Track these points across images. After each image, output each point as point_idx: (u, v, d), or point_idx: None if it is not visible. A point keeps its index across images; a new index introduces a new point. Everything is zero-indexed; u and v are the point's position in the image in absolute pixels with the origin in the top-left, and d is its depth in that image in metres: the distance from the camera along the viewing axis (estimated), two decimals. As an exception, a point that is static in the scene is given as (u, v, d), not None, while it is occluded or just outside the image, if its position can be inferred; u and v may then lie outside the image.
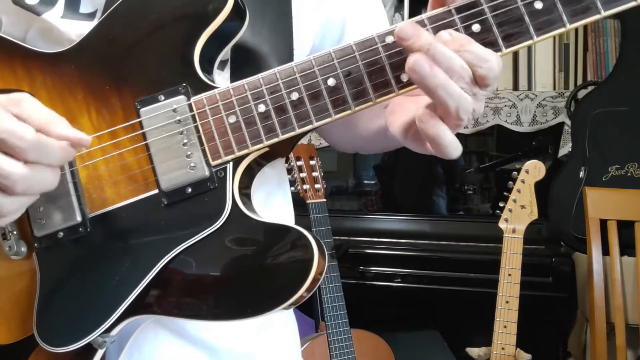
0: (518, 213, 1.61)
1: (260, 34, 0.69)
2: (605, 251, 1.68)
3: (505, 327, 1.59)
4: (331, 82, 0.57)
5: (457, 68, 0.51)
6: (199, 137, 0.60)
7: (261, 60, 0.68)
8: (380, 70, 0.56)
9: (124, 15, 0.62)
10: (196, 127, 0.60)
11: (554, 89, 2.13)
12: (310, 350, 1.74)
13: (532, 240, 1.84)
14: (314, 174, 1.75)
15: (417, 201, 2.44)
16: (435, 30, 0.54)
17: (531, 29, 0.54)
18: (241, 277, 0.59)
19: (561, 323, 2.02)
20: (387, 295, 2.22)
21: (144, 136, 0.61)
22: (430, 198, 2.37)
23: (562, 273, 1.88)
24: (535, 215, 1.60)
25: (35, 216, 0.61)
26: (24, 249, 0.62)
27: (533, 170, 1.60)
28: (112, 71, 0.62)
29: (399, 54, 0.56)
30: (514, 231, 1.60)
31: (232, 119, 0.59)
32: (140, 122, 0.61)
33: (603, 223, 1.69)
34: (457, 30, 0.54)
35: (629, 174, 1.79)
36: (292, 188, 1.72)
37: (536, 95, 2.12)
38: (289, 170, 1.74)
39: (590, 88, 2.00)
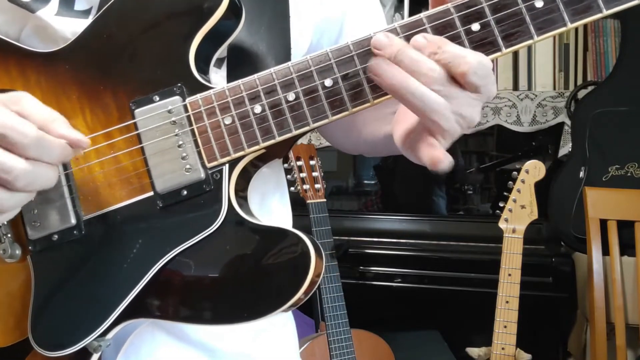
0: (518, 213, 1.60)
1: (258, 33, 0.68)
2: (605, 251, 1.68)
3: (505, 327, 1.58)
4: (328, 82, 0.56)
5: (425, 70, 0.50)
6: (195, 139, 0.59)
7: (258, 59, 0.68)
8: None
9: (118, 13, 0.61)
10: (192, 129, 0.59)
11: (554, 89, 2.13)
12: (310, 350, 1.74)
13: (532, 240, 1.84)
14: (314, 174, 1.75)
15: (417, 201, 2.44)
16: (435, 30, 0.53)
17: (531, 29, 0.53)
18: (237, 281, 0.58)
19: (561, 323, 2.02)
20: (387, 295, 2.21)
21: (138, 137, 0.60)
22: (430, 198, 2.37)
23: (562, 273, 1.88)
24: (535, 215, 1.60)
25: (29, 219, 0.60)
26: (18, 251, 0.61)
27: (533, 170, 1.60)
28: (106, 71, 0.61)
29: None
30: (514, 231, 1.60)
31: (227, 121, 0.59)
32: (135, 124, 0.60)
33: (603, 223, 1.69)
34: (457, 30, 0.53)
35: (629, 174, 1.79)
36: (292, 188, 1.72)
37: (536, 95, 2.12)
38: (289, 170, 1.74)
39: (590, 88, 2.00)
